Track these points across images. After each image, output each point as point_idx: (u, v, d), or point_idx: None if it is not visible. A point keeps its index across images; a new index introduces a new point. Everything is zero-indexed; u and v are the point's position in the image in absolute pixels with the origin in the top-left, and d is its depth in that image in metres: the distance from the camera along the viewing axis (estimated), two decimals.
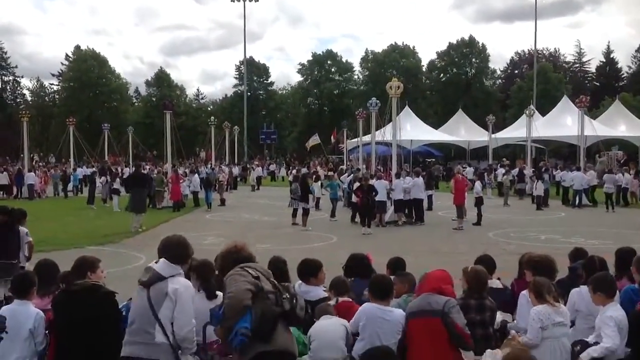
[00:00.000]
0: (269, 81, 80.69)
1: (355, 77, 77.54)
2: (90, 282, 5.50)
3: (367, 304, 5.80)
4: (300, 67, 77.30)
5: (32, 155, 49.53)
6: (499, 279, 7.26)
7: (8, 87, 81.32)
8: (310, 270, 6.75)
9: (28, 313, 5.72)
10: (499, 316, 6.31)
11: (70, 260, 6.14)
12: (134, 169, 26.41)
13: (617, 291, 6.14)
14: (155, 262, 4.93)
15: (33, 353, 5.82)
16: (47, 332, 5.79)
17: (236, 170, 43.07)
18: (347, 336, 5.74)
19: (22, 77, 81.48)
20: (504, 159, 40.18)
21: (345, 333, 5.73)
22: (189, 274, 6.46)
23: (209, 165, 42.24)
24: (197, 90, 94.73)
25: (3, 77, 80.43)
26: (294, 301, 4.91)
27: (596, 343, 5.81)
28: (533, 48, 65.34)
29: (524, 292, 6.14)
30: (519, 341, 5.62)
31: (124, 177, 30.44)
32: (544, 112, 45.12)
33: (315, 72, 75.35)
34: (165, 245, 5.00)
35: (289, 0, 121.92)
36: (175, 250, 4.96)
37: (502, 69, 78.72)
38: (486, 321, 6.02)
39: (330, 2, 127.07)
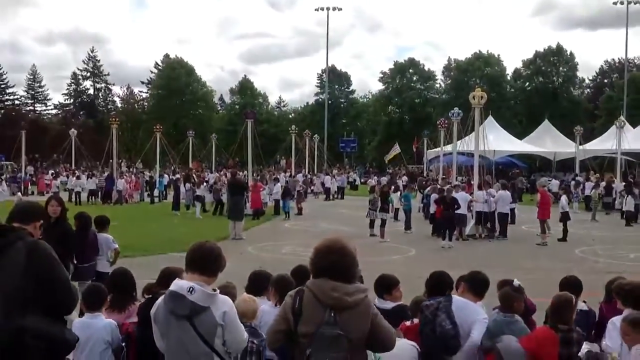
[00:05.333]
0: (350, 89, 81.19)
1: (437, 85, 76.61)
2: None
3: None
4: (382, 75, 77.10)
5: (120, 160, 51.38)
6: (584, 301, 6.95)
7: (100, 94, 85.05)
8: (384, 286, 6.62)
9: (102, 325, 5.66)
10: (585, 346, 6.01)
11: (153, 266, 6.23)
12: (230, 175, 25.93)
13: None
14: (180, 280, 4.32)
15: None
16: (124, 344, 5.83)
17: (329, 181, 41.97)
18: (418, 356, 5.59)
19: (114, 84, 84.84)
20: (592, 171, 38.60)
21: (417, 353, 5.59)
22: (268, 287, 6.46)
23: (288, 174, 42.55)
24: (279, 98, 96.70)
25: (96, 84, 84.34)
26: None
27: None
28: (623, 57, 62.93)
29: (615, 320, 5.80)
30: None
31: (208, 182, 31.12)
32: (634, 124, 43.17)
33: (397, 80, 74.83)
34: (201, 256, 4.31)
35: (368, 7, 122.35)
36: (214, 264, 4.34)
37: (590, 78, 76.14)
38: (572, 355, 5.73)
39: (409, 9, 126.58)
